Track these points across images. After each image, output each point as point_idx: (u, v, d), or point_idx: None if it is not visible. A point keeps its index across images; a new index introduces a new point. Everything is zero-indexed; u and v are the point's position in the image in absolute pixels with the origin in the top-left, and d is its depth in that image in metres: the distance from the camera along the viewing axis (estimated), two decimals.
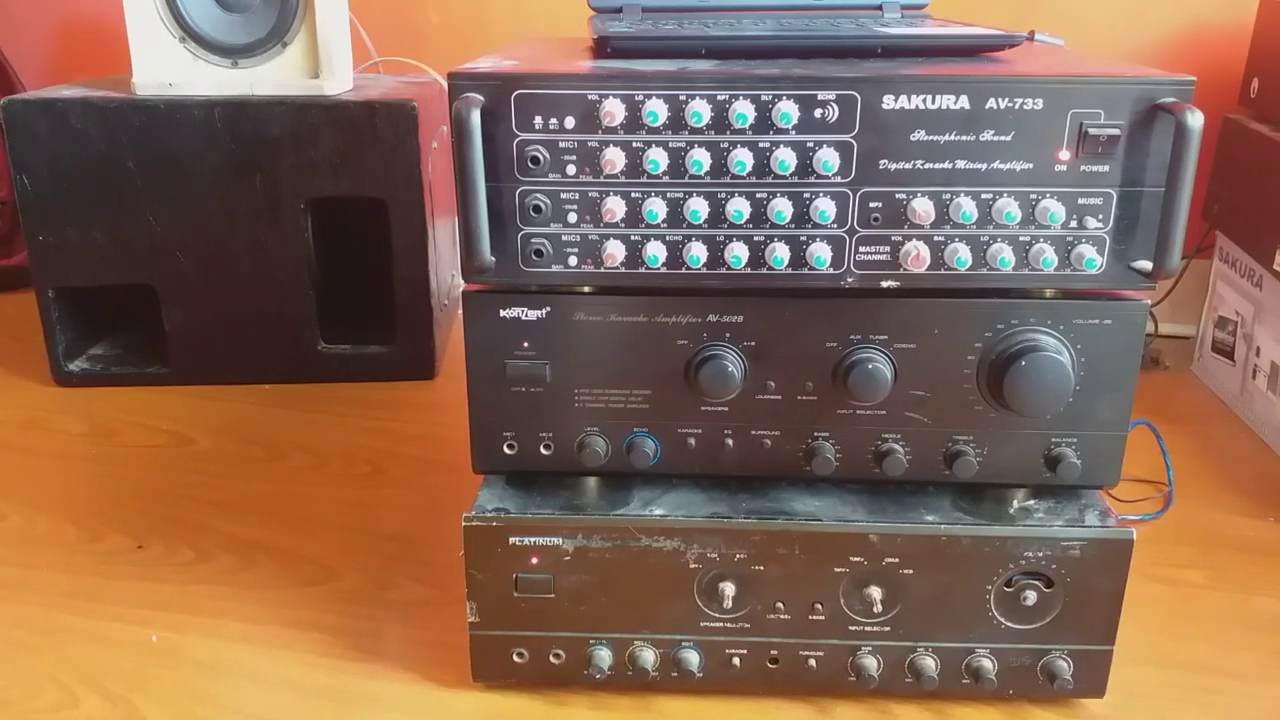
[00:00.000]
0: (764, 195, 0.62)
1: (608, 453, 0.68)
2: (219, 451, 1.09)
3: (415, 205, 1.18)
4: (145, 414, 1.17)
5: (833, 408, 0.67)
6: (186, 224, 1.17)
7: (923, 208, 0.61)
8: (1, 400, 1.20)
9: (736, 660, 0.70)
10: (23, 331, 1.33)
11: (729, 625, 0.70)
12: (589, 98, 0.60)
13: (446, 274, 1.36)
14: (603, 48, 0.67)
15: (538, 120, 0.61)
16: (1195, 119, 0.58)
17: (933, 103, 0.60)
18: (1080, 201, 0.62)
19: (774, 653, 0.70)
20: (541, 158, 0.61)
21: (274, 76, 1.15)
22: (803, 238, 0.63)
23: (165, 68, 1.15)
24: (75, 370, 1.24)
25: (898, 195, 0.62)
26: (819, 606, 0.69)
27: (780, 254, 0.62)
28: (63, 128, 1.13)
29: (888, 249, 0.63)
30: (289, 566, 0.88)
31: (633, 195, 0.62)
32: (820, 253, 0.62)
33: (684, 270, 0.63)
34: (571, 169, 0.62)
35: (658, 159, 0.61)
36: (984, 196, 0.62)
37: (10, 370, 1.28)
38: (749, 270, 0.63)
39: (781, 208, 0.61)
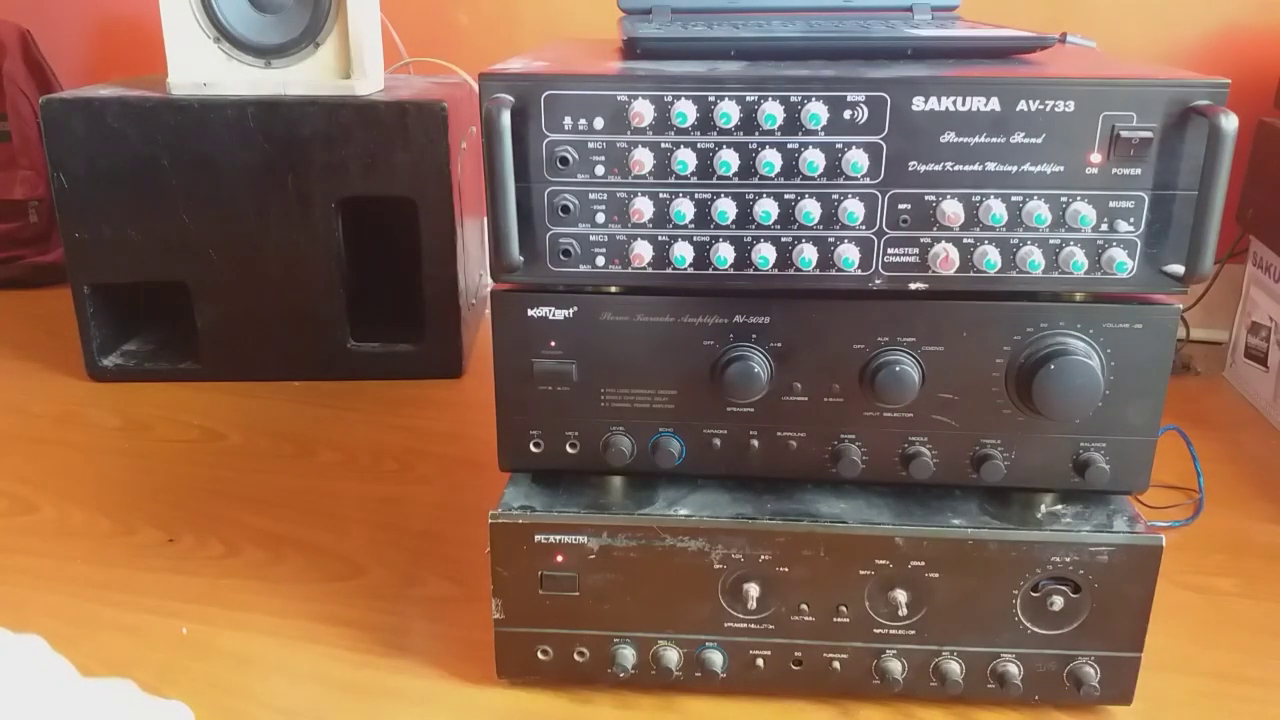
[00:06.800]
0: (792, 196, 0.62)
1: (633, 452, 0.68)
2: (249, 447, 1.10)
3: (444, 205, 1.19)
4: (177, 409, 1.18)
5: (859, 410, 0.67)
6: (219, 222, 1.18)
7: (952, 210, 0.61)
8: (37, 395, 1.22)
9: (760, 661, 0.70)
10: (58, 327, 1.35)
11: (753, 626, 0.70)
12: (618, 99, 0.60)
13: (475, 273, 1.37)
14: (632, 49, 0.67)
15: (567, 121, 0.61)
16: (1229, 122, 0.57)
17: (963, 104, 0.60)
18: (1111, 205, 0.61)
19: (798, 654, 0.70)
20: (570, 158, 0.62)
21: (306, 77, 1.17)
22: (831, 239, 0.63)
23: (200, 68, 1.16)
24: (109, 366, 1.26)
25: (927, 197, 0.61)
26: (844, 609, 0.69)
27: (808, 255, 0.62)
28: (99, 126, 1.15)
29: (916, 251, 0.63)
30: (317, 561, 0.89)
31: (661, 196, 0.62)
32: (848, 254, 0.62)
33: (711, 271, 0.63)
34: (600, 169, 0.62)
35: (686, 160, 0.61)
36: (1014, 199, 0.61)
37: (46, 365, 1.30)
38: (776, 271, 0.63)
39: (810, 209, 0.61)
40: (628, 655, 0.70)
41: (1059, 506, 0.69)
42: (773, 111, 0.60)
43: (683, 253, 0.63)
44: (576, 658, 0.71)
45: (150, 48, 1.24)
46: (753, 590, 0.68)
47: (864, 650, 0.70)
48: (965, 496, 0.70)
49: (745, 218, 0.62)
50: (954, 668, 0.69)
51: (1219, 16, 1.33)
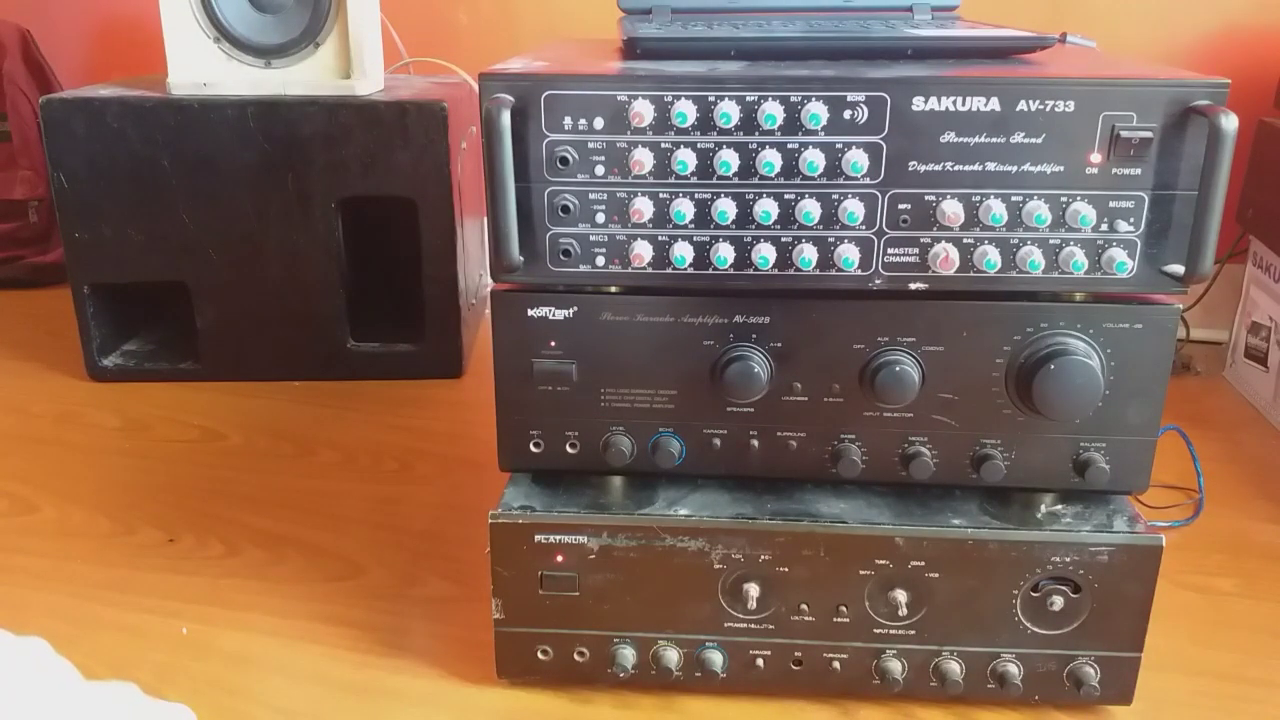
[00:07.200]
0: (792, 196, 0.62)
1: (633, 452, 0.68)
2: (249, 447, 1.10)
3: (444, 205, 1.19)
4: (177, 409, 1.18)
5: (859, 410, 0.67)
6: (219, 222, 1.18)
7: (952, 210, 0.61)
8: (37, 395, 1.22)
9: (760, 661, 0.70)
10: (58, 327, 1.35)
11: (753, 626, 0.70)
12: (618, 99, 0.60)
13: (475, 273, 1.37)
14: (632, 49, 0.67)
15: (567, 121, 0.61)
16: (1230, 122, 0.57)
17: (963, 104, 0.60)
18: (1111, 204, 0.61)
19: (798, 654, 0.70)
20: (570, 158, 0.62)
21: (306, 77, 1.17)
22: (831, 239, 0.63)
23: (200, 68, 1.16)
24: (109, 366, 1.26)
25: (927, 197, 0.61)
26: (844, 609, 0.69)
27: (808, 255, 0.62)
28: (99, 127, 1.15)
29: (916, 251, 0.63)
30: (317, 562, 0.89)
31: (661, 196, 0.62)
32: (848, 254, 0.62)
33: (711, 271, 0.63)
34: (600, 169, 0.62)
35: (686, 160, 0.61)
36: (1014, 199, 0.61)
37: (46, 365, 1.30)
38: (776, 271, 0.63)
39: (810, 209, 0.61)
40: (628, 655, 0.70)
41: (1059, 506, 0.69)
42: (773, 111, 0.60)
43: (683, 253, 0.63)
44: (576, 658, 0.71)
45: (150, 48, 1.24)
46: (753, 590, 0.68)
47: (864, 650, 0.70)
48: (965, 496, 0.70)
49: (745, 218, 0.62)
50: (954, 668, 0.69)
51: (1219, 16, 1.33)
